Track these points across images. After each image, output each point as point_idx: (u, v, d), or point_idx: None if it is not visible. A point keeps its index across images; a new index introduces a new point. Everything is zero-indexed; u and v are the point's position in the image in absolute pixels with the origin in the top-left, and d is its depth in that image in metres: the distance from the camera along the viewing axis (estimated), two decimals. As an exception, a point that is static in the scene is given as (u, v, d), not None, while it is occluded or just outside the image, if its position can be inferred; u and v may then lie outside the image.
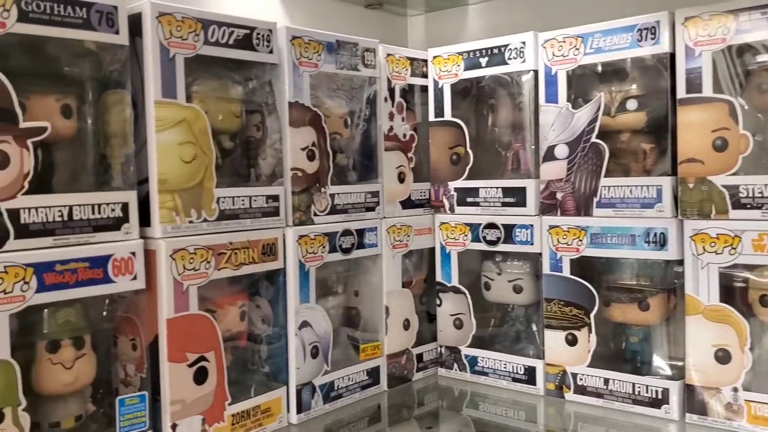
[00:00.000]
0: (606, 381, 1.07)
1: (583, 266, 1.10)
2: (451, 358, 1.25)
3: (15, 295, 0.75)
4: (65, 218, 0.79)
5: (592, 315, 1.08)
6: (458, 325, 1.24)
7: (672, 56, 1.00)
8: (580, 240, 1.08)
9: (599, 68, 1.08)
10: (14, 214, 0.75)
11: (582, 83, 1.10)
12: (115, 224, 0.83)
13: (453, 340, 1.24)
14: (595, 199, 1.07)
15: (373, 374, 1.16)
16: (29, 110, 0.78)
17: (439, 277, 1.25)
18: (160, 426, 0.88)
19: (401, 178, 1.22)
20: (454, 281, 1.23)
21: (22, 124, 0.76)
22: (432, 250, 1.27)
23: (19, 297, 0.75)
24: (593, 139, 1.07)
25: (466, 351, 1.23)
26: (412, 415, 1.12)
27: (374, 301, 1.19)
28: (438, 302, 1.26)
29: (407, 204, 1.23)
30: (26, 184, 0.76)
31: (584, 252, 1.08)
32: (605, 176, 1.06)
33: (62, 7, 0.79)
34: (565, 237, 1.09)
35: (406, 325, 1.22)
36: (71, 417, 0.84)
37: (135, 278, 0.85)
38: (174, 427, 0.88)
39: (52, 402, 0.82)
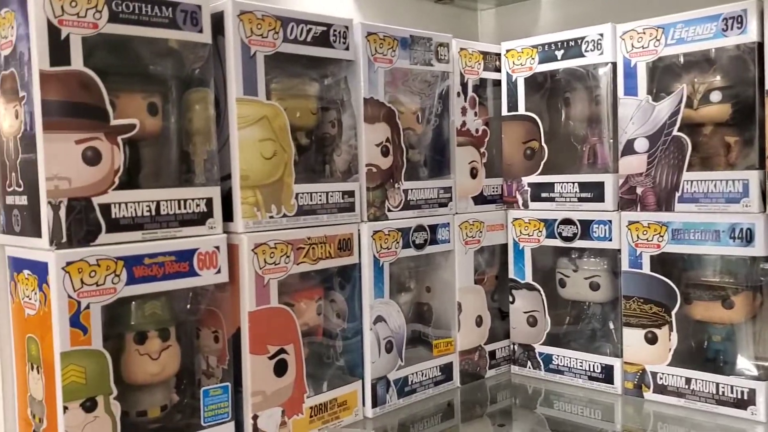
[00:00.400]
0: (688, 380, 1.04)
1: (663, 263, 1.07)
2: (525, 356, 1.23)
3: (107, 288, 0.77)
4: (153, 213, 0.81)
5: (673, 313, 1.05)
6: (532, 322, 1.22)
7: (760, 45, 0.97)
8: (661, 236, 1.05)
9: (681, 59, 1.05)
10: (105, 208, 0.77)
11: (663, 75, 1.07)
12: (200, 219, 0.85)
13: (526, 338, 1.23)
14: (677, 194, 1.04)
15: (446, 370, 1.16)
16: (119, 108, 0.81)
17: (511, 274, 1.24)
18: (241, 417, 0.90)
19: (473, 174, 1.21)
20: (528, 278, 1.22)
21: (113, 122, 0.78)
22: (504, 246, 1.26)
23: (111, 289, 0.77)
24: (675, 132, 1.04)
25: (540, 348, 1.21)
26: (485, 412, 1.11)
27: (446, 297, 1.19)
28: (511, 299, 1.24)
29: (479, 200, 1.22)
30: (116, 180, 0.78)
31: (665, 248, 1.05)
32: (687, 170, 1.03)
33: (149, 7, 0.81)
34: (645, 233, 1.07)
35: (479, 322, 1.21)
36: (157, 406, 0.86)
37: (219, 272, 0.86)
38: (255, 418, 0.90)
39: (139, 391, 0.85)
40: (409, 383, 1.10)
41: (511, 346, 1.25)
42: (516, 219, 1.23)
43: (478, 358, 1.21)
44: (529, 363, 1.23)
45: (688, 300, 1.07)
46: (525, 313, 1.23)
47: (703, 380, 1.03)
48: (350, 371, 1.05)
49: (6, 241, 0.84)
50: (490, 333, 1.23)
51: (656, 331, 1.07)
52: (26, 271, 0.79)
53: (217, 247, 0.86)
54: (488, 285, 1.25)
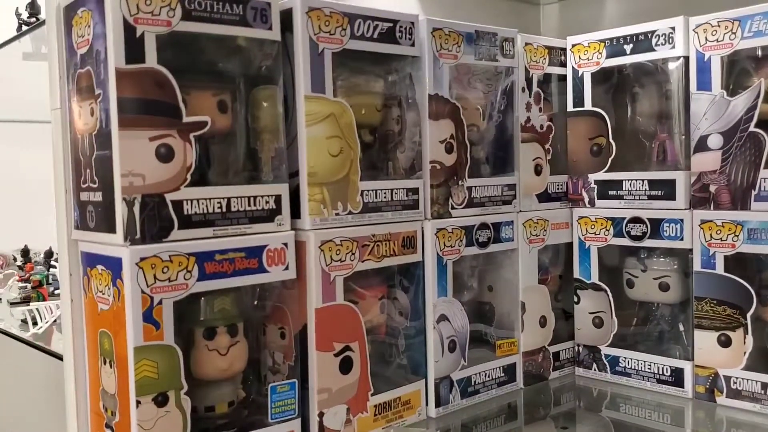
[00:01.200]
0: (764, 386, 1.01)
1: (738, 263, 1.03)
2: (590, 358, 1.21)
3: (179, 283, 0.78)
4: (224, 210, 0.81)
5: (748, 315, 1.01)
6: (598, 323, 1.19)
7: None
8: (736, 235, 1.02)
9: (759, 53, 1.01)
10: (178, 205, 0.78)
11: (739, 69, 1.04)
12: (269, 216, 0.85)
13: (592, 339, 1.20)
14: (754, 192, 1.00)
15: (509, 371, 1.14)
16: (190, 105, 0.81)
17: (576, 274, 1.21)
18: (307, 414, 0.90)
19: (538, 171, 1.19)
20: (594, 278, 1.19)
21: (185, 119, 0.79)
22: (568, 245, 1.23)
23: (183, 285, 0.78)
24: (751, 128, 1.00)
25: (606, 350, 1.18)
26: (548, 415, 1.09)
27: (509, 296, 1.17)
28: (576, 299, 1.22)
29: (544, 197, 1.20)
30: (189, 177, 0.79)
31: (740, 248, 1.02)
32: (765, 167, 0.99)
33: (221, 4, 0.81)
34: (719, 232, 1.03)
35: (543, 323, 1.19)
36: (225, 402, 0.87)
37: (287, 268, 0.86)
38: (321, 415, 0.90)
39: (208, 387, 0.85)
40: (473, 384, 1.08)
41: (576, 348, 1.23)
42: (582, 217, 1.20)
43: (542, 359, 1.19)
44: (594, 365, 1.20)
45: (764, 302, 1.03)
46: (591, 313, 1.20)
47: (780, 386, 1.00)
48: (413, 370, 1.04)
49: (80, 236, 0.85)
50: (554, 334, 1.21)
51: (730, 333, 1.03)
52: (100, 267, 0.80)
53: (285, 244, 0.86)
54: (552, 285, 1.23)
